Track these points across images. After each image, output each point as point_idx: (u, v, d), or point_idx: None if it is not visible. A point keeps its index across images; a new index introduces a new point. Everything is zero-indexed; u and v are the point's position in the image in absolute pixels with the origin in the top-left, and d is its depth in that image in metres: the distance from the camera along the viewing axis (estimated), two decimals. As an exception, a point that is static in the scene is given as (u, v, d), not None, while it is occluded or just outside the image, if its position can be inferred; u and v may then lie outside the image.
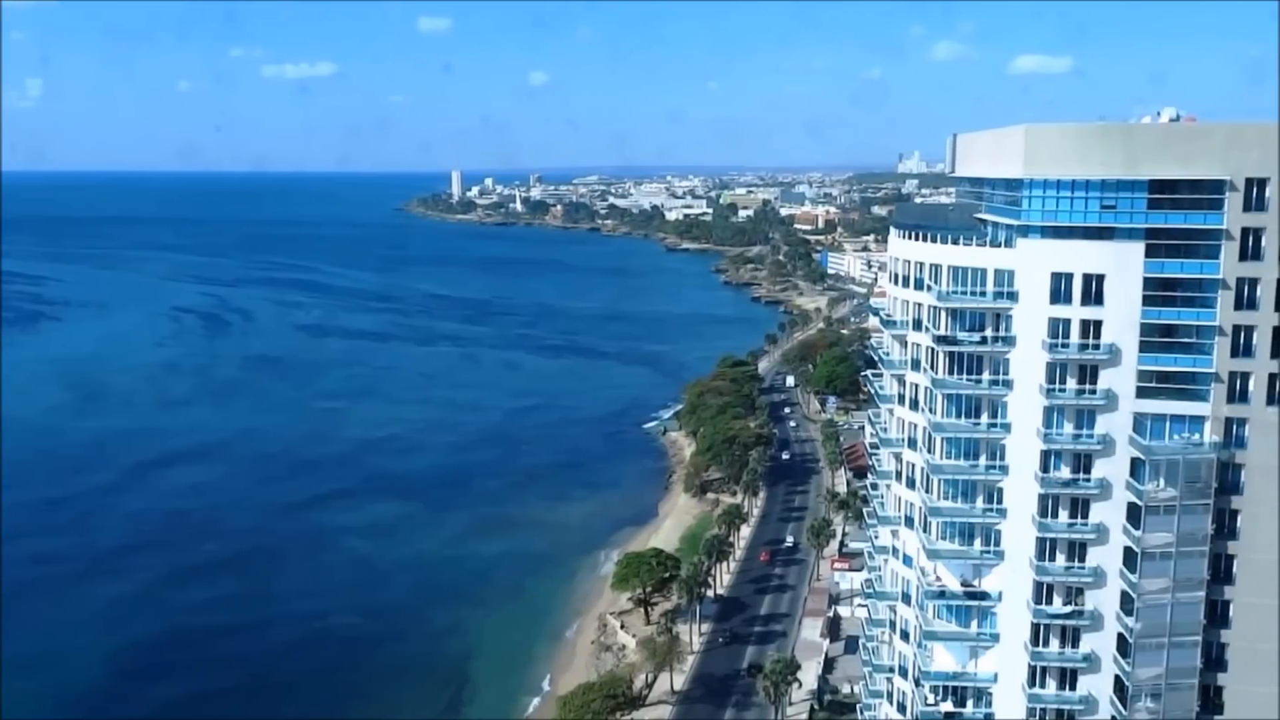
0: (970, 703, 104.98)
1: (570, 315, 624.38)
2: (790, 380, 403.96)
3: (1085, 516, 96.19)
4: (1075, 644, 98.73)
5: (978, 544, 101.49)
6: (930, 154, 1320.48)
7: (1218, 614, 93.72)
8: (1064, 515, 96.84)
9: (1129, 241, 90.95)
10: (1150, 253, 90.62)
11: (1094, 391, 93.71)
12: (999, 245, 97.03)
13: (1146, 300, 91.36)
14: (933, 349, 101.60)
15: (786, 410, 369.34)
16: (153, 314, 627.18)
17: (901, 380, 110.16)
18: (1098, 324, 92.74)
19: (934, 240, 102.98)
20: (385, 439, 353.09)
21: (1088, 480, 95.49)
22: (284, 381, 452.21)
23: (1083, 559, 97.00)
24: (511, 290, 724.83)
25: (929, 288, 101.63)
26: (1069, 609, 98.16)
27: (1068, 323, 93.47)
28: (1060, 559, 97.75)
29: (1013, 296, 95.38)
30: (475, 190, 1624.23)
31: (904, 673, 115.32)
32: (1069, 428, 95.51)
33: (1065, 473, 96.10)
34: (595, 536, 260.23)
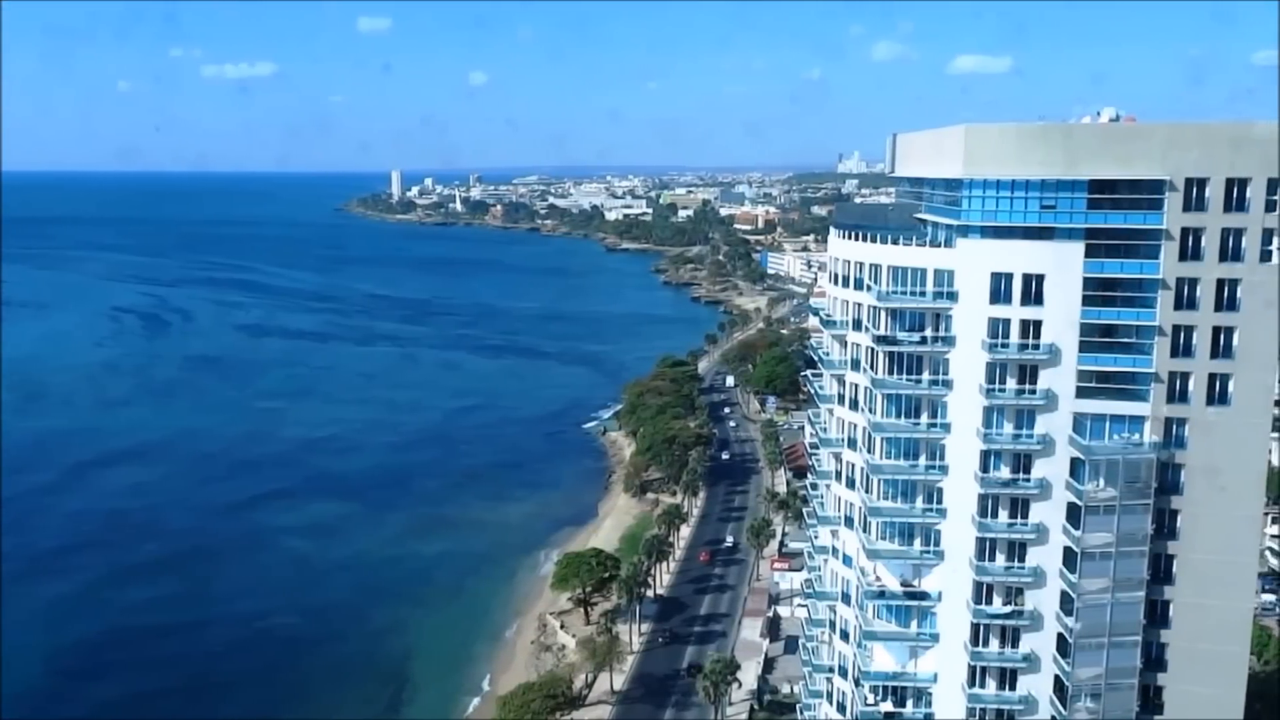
0: (910, 703, 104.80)
1: (510, 315, 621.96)
2: (730, 380, 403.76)
3: (1025, 516, 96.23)
4: (1015, 644, 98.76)
5: (917, 544, 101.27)
6: (870, 154, 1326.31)
7: (1157, 614, 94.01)
8: (1004, 515, 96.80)
9: (1069, 241, 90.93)
10: (1090, 253, 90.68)
11: (1034, 391, 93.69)
12: (939, 245, 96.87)
13: (1086, 300, 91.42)
14: (872, 349, 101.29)
15: (726, 410, 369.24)
16: (92, 314, 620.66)
17: (841, 380, 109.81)
18: (1037, 324, 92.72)
19: (874, 240, 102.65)
20: (325, 439, 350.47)
21: (1027, 480, 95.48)
22: (224, 381, 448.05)
23: (1022, 559, 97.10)
24: (451, 290, 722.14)
25: (869, 288, 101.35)
26: (1009, 609, 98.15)
27: (1007, 323, 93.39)
28: (1000, 559, 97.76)
29: (952, 296, 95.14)
30: (415, 190, 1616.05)
31: (844, 673, 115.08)
32: (1009, 428, 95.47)
33: (1005, 473, 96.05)
34: (535, 536, 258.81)
